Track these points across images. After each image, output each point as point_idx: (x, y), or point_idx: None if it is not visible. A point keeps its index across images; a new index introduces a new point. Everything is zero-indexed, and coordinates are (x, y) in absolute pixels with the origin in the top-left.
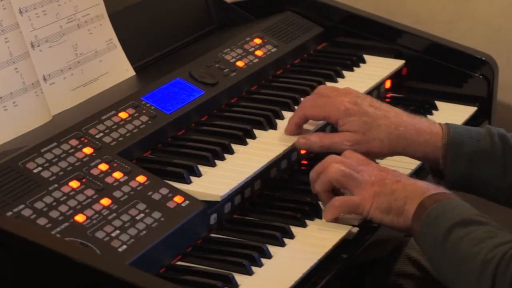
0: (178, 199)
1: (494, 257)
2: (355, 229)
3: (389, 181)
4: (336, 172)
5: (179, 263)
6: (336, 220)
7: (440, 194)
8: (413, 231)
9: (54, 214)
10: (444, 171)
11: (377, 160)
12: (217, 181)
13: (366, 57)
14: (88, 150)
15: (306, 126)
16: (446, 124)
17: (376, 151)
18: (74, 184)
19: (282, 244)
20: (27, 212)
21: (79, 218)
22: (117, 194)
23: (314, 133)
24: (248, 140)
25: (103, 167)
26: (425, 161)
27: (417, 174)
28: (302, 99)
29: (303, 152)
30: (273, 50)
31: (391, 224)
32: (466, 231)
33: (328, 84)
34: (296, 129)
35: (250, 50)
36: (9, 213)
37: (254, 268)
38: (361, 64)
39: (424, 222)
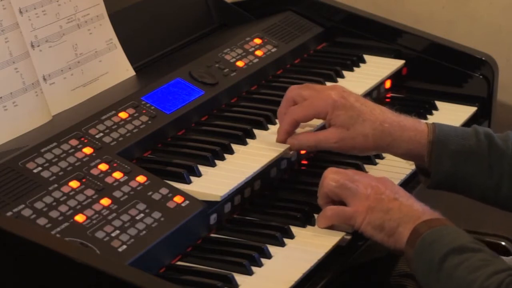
0: (178, 199)
1: (490, 286)
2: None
3: (386, 197)
4: (331, 183)
5: (179, 263)
6: (330, 227)
7: (434, 220)
8: (406, 256)
9: (54, 214)
10: (429, 169)
11: (377, 160)
12: (217, 181)
13: (366, 57)
14: (88, 150)
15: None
16: (433, 123)
17: (361, 147)
18: (74, 184)
19: (282, 244)
20: (27, 212)
21: (79, 218)
22: (117, 194)
23: (302, 133)
24: (248, 140)
25: (103, 167)
26: (409, 158)
27: (413, 176)
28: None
29: (303, 152)
30: (273, 50)
31: (381, 242)
32: (461, 258)
33: (328, 84)
34: (288, 136)
35: (250, 50)
36: (9, 213)
37: (254, 268)
38: (361, 64)
39: (419, 248)
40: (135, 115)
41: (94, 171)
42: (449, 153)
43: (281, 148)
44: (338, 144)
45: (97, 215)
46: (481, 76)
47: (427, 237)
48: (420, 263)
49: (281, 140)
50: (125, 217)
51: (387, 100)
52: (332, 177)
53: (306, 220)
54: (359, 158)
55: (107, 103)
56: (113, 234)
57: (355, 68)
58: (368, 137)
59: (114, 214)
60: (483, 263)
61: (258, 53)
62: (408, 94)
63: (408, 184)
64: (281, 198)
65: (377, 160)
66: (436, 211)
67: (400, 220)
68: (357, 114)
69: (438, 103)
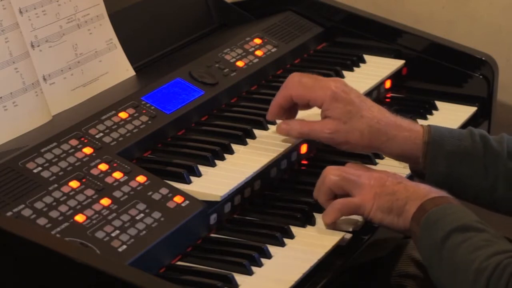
0: (178, 199)
1: (488, 267)
2: (355, 228)
3: (390, 183)
4: (334, 177)
5: (179, 263)
6: (332, 226)
7: (441, 198)
8: (412, 232)
9: (54, 214)
10: (424, 170)
11: (377, 160)
12: (217, 181)
13: (366, 57)
14: (88, 150)
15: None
16: (428, 124)
17: (355, 142)
18: (74, 184)
19: (282, 244)
20: (27, 212)
21: (79, 218)
22: (117, 194)
23: (295, 120)
24: (248, 140)
25: (103, 167)
26: (403, 159)
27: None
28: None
29: (303, 152)
30: (273, 50)
31: (391, 224)
32: (464, 237)
33: None
34: (279, 111)
35: (250, 50)
36: (9, 213)
37: (254, 268)
38: (361, 64)
39: (423, 225)
40: (135, 115)
41: (94, 171)
42: (444, 154)
43: (281, 148)
44: (332, 135)
45: (97, 215)
46: (481, 76)
47: (432, 215)
48: (424, 241)
49: (272, 113)
50: (125, 217)
51: (387, 100)
52: (335, 172)
53: (306, 220)
54: (359, 158)
55: (107, 103)
56: (113, 234)
57: (355, 68)
58: (364, 134)
59: (114, 214)
60: (485, 243)
61: (258, 53)
62: (408, 94)
63: None
64: (281, 198)
65: (377, 160)
66: (443, 190)
67: (407, 199)
68: (355, 109)
69: (438, 103)
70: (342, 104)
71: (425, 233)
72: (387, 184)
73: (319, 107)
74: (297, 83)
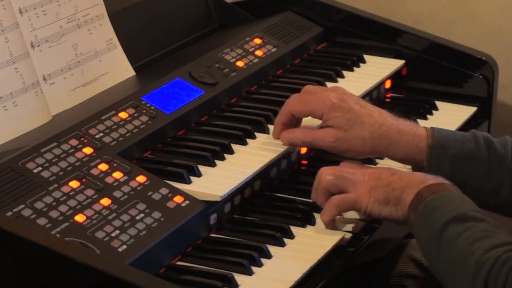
0: (178, 199)
1: (488, 260)
2: (355, 229)
3: (384, 175)
4: (329, 177)
5: (179, 263)
6: (331, 226)
7: (438, 185)
8: (409, 221)
9: (54, 214)
10: (428, 173)
11: (378, 160)
12: (217, 181)
13: (366, 57)
14: (88, 150)
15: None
16: (431, 127)
17: (358, 149)
18: (74, 184)
19: (282, 244)
20: (27, 212)
21: (79, 218)
22: (117, 194)
23: (299, 128)
24: (248, 140)
25: (103, 167)
26: (407, 162)
27: None
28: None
29: (303, 152)
30: (273, 50)
31: (390, 215)
32: (462, 227)
33: (328, 84)
34: (284, 129)
35: (250, 50)
36: (9, 213)
37: (254, 268)
38: (361, 64)
39: (421, 214)
40: (135, 115)
41: (94, 171)
42: (448, 157)
43: (281, 148)
44: (335, 143)
45: (97, 215)
46: (481, 76)
47: (429, 203)
48: (421, 230)
49: (277, 132)
50: (125, 217)
51: (387, 100)
52: (329, 172)
53: (306, 220)
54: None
55: (107, 103)
56: (113, 234)
57: (355, 68)
58: (366, 140)
59: (114, 214)
60: (483, 234)
61: (258, 53)
62: (408, 94)
63: None
64: (281, 198)
65: (377, 160)
66: (439, 176)
67: (403, 187)
68: (355, 116)
69: (438, 103)
70: (342, 112)
71: (423, 222)
72: (382, 177)
73: (320, 118)
74: (295, 100)
